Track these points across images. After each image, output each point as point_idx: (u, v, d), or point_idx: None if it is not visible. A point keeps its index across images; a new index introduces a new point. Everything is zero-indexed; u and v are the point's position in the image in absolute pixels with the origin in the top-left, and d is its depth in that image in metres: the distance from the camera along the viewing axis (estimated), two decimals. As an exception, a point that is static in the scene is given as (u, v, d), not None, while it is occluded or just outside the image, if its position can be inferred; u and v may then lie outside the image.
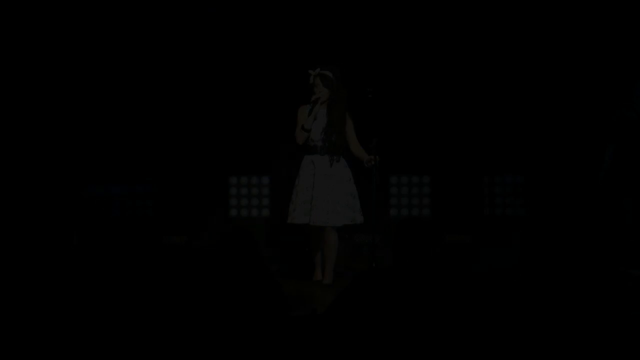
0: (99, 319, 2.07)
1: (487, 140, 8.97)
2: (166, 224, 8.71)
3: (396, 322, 2.23)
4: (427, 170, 9.38)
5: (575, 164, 8.20)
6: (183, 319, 3.46)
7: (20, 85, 8.60)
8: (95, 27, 8.87)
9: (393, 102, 8.99)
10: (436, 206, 9.37)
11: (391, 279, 3.58)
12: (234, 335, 3.49)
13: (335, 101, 6.99)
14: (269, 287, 3.89)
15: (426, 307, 2.17)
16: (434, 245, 3.93)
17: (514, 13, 8.98)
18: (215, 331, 3.54)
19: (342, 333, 3.84)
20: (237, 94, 9.39)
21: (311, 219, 6.94)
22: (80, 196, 8.01)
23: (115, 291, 2.06)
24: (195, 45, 9.20)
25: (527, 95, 9.06)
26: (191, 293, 3.79)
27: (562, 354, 2.33)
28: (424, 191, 9.41)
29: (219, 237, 4.19)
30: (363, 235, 9.16)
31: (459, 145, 9.19)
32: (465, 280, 2.23)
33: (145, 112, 9.11)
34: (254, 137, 9.43)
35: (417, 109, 9.28)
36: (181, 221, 8.78)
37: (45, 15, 8.61)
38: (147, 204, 9.28)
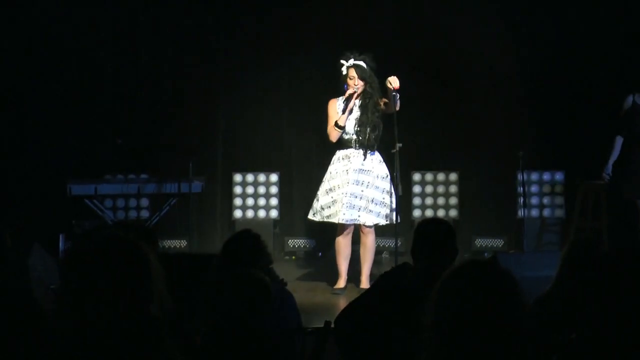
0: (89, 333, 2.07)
1: (522, 133, 8.95)
2: (163, 227, 8.73)
3: (416, 336, 2.21)
4: (454, 166, 9.37)
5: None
6: (183, 331, 3.48)
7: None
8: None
9: (417, 92, 8.98)
10: (464, 207, 9.35)
11: (413, 287, 3.57)
12: (240, 349, 3.50)
13: (370, 93, 7.04)
14: (278, 297, 3.89)
15: (454, 323, 2.16)
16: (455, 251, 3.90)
17: (542, 8, 9.03)
18: (216, 346, 3.55)
19: (353, 347, 3.84)
20: (240, 84, 9.42)
21: (344, 217, 6.97)
22: (66, 195, 8.04)
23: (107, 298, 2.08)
24: (198, 36, 9.27)
25: (565, 83, 9.04)
26: (191, 302, 3.80)
27: None
28: (451, 190, 9.39)
29: (222, 241, 4.20)
30: (383, 239, 9.15)
31: (489, 139, 9.17)
32: (497, 293, 2.21)
33: (136, 106, 9.18)
34: (260, 129, 9.44)
35: (443, 98, 9.27)
36: (180, 223, 8.80)
37: None
38: (142, 204, 9.32)
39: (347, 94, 7.06)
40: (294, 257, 9.25)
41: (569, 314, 3.20)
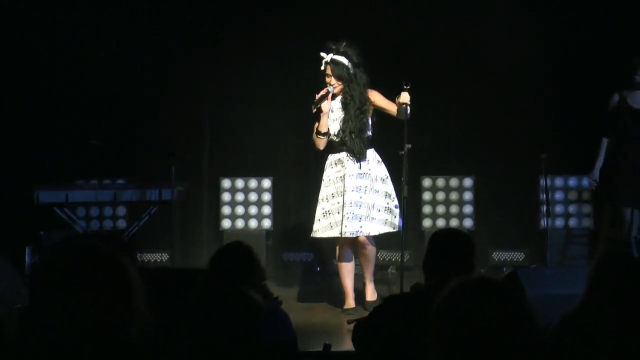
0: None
1: (545, 133, 8.96)
2: (142, 239, 8.74)
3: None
4: (468, 170, 9.37)
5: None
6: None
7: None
8: None
9: (429, 88, 9.02)
10: (480, 216, 9.35)
11: (425, 307, 3.58)
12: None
13: (350, 94, 7.02)
14: (273, 317, 3.90)
15: (471, 347, 2.17)
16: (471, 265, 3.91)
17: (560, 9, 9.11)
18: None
19: None
20: (229, 79, 9.42)
21: (344, 230, 6.96)
22: (33, 203, 8.04)
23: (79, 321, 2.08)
24: (182, 25, 9.31)
25: (593, 78, 9.06)
26: (174, 323, 3.80)
27: None
28: (465, 197, 9.39)
29: (209, 255, 4.19)
30: (389, 253, 9.15)
31: (509, 140, 9.18)
32: (520, 312, 2.23)
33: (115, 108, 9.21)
34: (252, 129, 9.45)
35: (457, 95, 9.28)
36: (161, 235, 8.80)
37: None
38: (118, 212, 9.31)
39: (318, 96, 7.05)
40: (289, 272, 9.24)
41: (598, 335, 3.21)
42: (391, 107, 7.01)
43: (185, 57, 9.32)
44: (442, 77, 9.25)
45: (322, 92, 7.06)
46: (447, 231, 4.19)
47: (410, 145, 6.85)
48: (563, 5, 9.12)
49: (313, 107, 7.05)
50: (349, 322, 6.59)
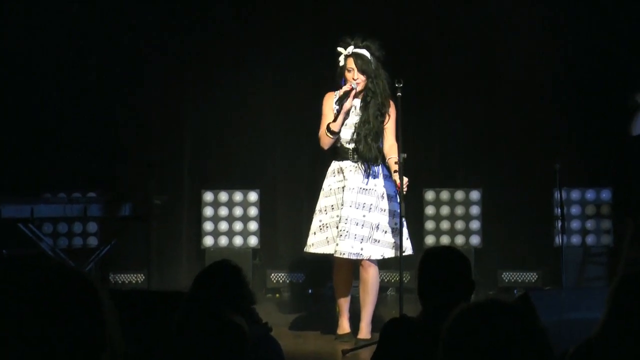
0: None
1: (559, 142, 8.97)
2: (116, 258, 8.73)
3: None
4: (475, 182, 9.38)
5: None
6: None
7: None
8: None
9: (431, 92, 9.03)
10: (489, 232, 9.35)
11: (424, 332, 3.58)
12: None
13: (373, 90, 6.91)
14: (262, 345, 3.89)
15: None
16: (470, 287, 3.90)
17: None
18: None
19: None
20: (212, 82, 9.44)
21: (338, 249, 6.87)
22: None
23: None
24: (160, 22, 9.34)
25: (612, 81, 9.08)
26: (151, 352, 3.79)
27: None
28: (472, 212, 9.39)
29: (189, 275, 4.18)
30: (388, 273, 9.15)
31: (519, 149, 9.20)
32: (533, 336, 2.23)
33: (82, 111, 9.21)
34: (237, 137, 9.45)
35: (462, 99, 9.30)
36: (137, 253, 8.79)
37: None
38: (89, 229, 9.29)
39: (342, 91, 6.89)
40: (278, 295, 9.23)
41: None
42: (390, 137, 6.92)
43: (166, 62, 9.34)
44: (447, 82, 9.29)
45: (346, 88, 6.88)
46: (435, 251, 4.16)
47: (405, 155, 6.75)
48: (572, 9, 9.15)
49: (336, 103, 6.92)
50: (344, 353, 6.57)
